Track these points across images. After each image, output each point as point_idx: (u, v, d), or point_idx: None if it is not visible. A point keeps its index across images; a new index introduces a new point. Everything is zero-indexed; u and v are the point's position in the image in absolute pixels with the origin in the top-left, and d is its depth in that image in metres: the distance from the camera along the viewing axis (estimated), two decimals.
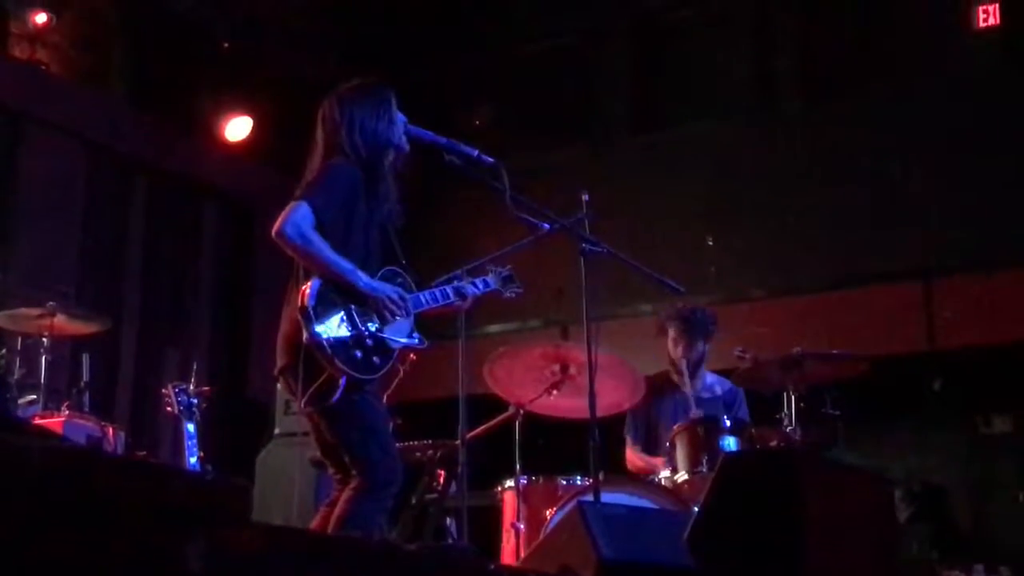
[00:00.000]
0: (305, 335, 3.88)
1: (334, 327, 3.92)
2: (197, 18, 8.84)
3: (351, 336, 3.95)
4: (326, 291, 3.95)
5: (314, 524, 4.16)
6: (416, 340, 4.18)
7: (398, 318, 4.09)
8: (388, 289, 4.08)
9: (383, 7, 9.99)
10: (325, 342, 3.87)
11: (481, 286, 4.43)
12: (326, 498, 4.29)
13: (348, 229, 4.05)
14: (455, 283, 4.36)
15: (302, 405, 3.96)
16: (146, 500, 1.76)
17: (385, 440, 4.10)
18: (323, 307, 3.92)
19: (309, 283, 3.94)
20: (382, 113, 4.20)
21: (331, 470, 4.20)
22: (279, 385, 7.47)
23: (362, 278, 4.02)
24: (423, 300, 4.23)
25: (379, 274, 4.12)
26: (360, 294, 4.01)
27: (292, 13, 9.67)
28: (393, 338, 4.07)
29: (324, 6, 9.85)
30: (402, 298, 4.10)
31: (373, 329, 4.01)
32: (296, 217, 3.94)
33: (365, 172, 4.13)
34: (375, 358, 3.99)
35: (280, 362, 4.08)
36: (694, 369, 5.82)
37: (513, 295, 4.55)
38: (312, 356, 3.88)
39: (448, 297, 4.32)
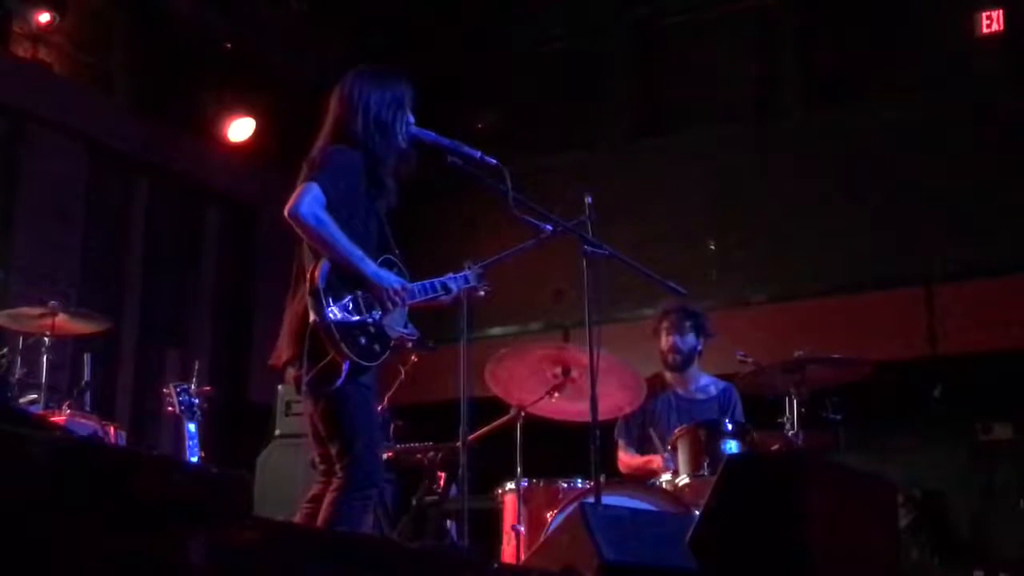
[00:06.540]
0: (314, 316, 3.87)
1: (342, 311, 3.92)
2: (199, 19, 8.83)
3: (358, 322, 3.95)
4: (334, 275, 3.95)
5: (297, 520, 4.12)
6: (411, 332, 4.19)
7: (397, 308, 4.11)
8: (393, 279, 4.10)
9: (385, 8, 9.99)
10: (333, 325, 3.86)
11: (461, 281, 4.41)
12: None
13: (349, 214, 4.05)
14: (440, 278, 4.36)
15: (304, 387, 3.93)
16: (148, 492, 1.76)
17: (373, 439, 4.10)
18: (332, 290, 3.92)
19: (319, 265, 3.93)
20: (395, 106, 4.22)
21: (316, 459, 4.16)
22: (280, 387, 7.54)
23: (370, 266, 4.03)
24: (416, 292, 4.23)
25: (378, 262, 4.12)
26: (366, 281, 4.01)
27: (294, 15, 9.67)
28: (391, 327, 4.08)
29: (326, 8, 9.85)
30: (404, 288, 4.12)
31: (377, 317, 4.03)
32: (309, 198, 3.93)
33: (367, 158, 4.13)
34: (376, 346, 4.00)
35: (286, 354, 4.06)
36: (685, 362, 5.86)
37: (484, 292, 4.51)
38: (317, 339, 3.87)
39: (435, 290, 4.32)
